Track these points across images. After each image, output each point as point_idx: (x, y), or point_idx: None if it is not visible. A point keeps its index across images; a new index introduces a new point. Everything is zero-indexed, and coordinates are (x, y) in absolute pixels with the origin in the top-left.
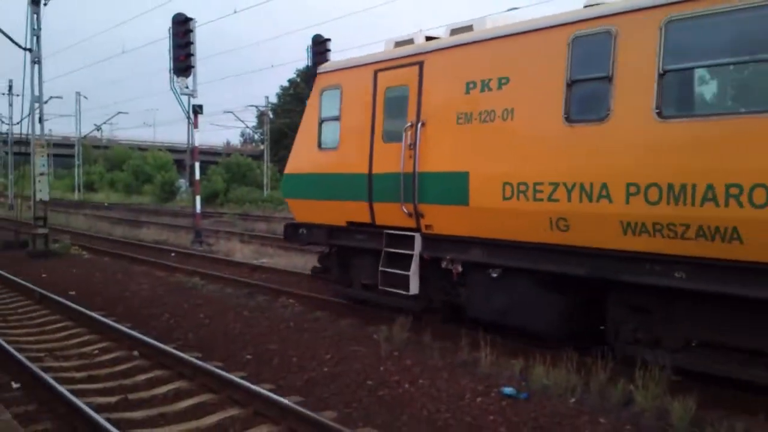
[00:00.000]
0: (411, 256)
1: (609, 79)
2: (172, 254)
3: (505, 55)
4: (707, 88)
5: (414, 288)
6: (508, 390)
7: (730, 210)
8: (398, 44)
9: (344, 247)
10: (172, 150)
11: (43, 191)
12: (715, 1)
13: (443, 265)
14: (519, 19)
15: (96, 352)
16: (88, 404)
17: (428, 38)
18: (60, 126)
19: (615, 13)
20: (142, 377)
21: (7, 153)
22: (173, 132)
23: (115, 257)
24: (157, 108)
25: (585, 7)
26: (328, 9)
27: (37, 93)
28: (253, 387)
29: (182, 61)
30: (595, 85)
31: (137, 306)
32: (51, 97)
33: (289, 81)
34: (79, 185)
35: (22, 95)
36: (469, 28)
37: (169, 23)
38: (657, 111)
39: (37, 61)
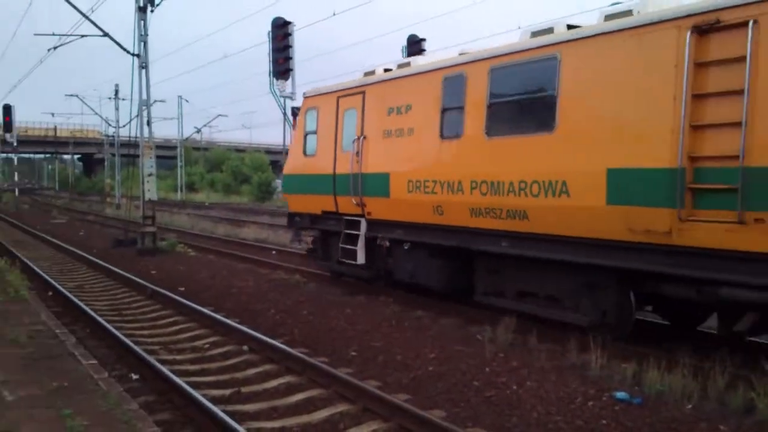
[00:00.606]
0: (358, 235)
1: (462, 108)
2: (273, 252)
3: (410, 89)
4: (506, 118)
5: (361, 259)
6: (620, 394)
7: (521, 198)
8: (367, 74)
9: (323, 231)
10: (269, 151)
11: (151, 191)
12: (512, 57)
13: (378, 241)
14: (429, 60)
15: (207, 346)
16: (204, 396)
17: (385, 69)
18: (161, 129)
19: (466, 62)
20: (252, 371)
21: (114, 155)
22: (269, 134)
23: (219, 255)
24: (254, 110)
25: (460, 54)
26: (422, 11)
27: (144, 97)
28: (362, 384)
29: (281, 65)
30: (456, 112)
31: (244, 302)
32: (155, 101)
33: None
34: (181, 185)
35: (131, 99)
36: (406, 65)
37: (268, 27)
38: (486, 132)
39: (144, 66)
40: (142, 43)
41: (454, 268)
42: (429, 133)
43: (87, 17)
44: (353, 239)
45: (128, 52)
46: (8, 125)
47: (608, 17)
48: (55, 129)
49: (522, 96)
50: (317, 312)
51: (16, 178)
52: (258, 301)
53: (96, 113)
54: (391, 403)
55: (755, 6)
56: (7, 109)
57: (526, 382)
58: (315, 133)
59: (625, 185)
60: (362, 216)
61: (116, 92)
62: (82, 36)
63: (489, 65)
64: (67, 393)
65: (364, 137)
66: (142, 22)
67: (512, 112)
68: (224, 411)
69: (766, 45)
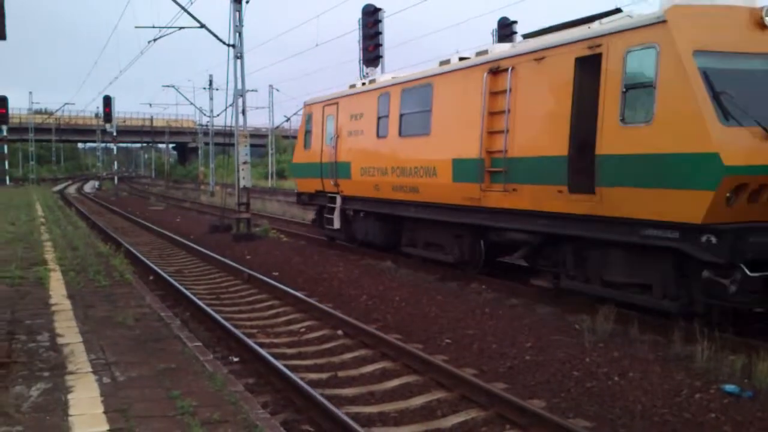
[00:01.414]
0: (335, 207)
1: (387, 117)
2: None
3: (362, 102)
4: (410, 124)
5: (337, 225)
6: (729, 387)
7: (416, 178)
8: (351, 86)
9: (318, 206)
10: None
11: (246, 178)
12: (413, 83)
13: (346, 212)
14: (383, 79)
15: (303, 330)
16: (302, 380)
17: (351, 86)
18: (251, 118)
19: (390, 85)
20: (348, 356)
21: (207, 144)
22: None
23: (310, 240)
24: None
25: (392, 78)
26: None
27: (239, 86)
28: (459, 371)
29: (371, 52)
30: (385, 119)
31: (336, 287)
32: (248, 90)
33: None
34: (272, 173)
35: (226, 88)
36: (373, 81)
37: (359, 14)
38: (398, 133)
39: (239, 56)
40: (237, 34)
41: (389, 229)
42: (371, 134)
43: (185, 10)
44: (332, 211)
45: (224, 42)
46: (108, 116)
47: (461, 59)
48: (151, 119)
49: (417, 110)
50: (409, 298)
51: (115, 166)
52: (350, 286)
53: (191, 103)
54: (489, 392)
55: (513, 59)
56: (108, 100)
57: (628, 373)
58: (310, 132)
59: (460, 170)
60: (337, 193)
61: (210, 82)
62: (181, 28)
63: (401, 88)
64: (174, 374)
65: (338, 135)
66: (237, 13)
67: (413, 120)
68: (322, 395)
69: (518, 83)
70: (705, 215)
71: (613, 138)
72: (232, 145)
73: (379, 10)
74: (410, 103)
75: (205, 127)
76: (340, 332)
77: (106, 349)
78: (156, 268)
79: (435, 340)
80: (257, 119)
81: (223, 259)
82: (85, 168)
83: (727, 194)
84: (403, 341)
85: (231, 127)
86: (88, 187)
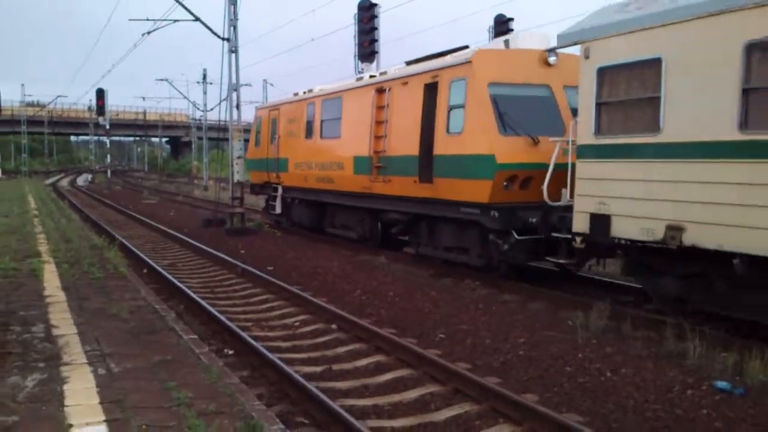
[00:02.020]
0: (277, 196)
1: (313, 122)
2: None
3: (296, 109)
4: (328, 128)
5: (278, 210)
6: (721, 384)
7: (331, 172)
8: (295, 94)
9: (267, 195)
10: None
11: (240, 173)
12: (329, 95)
13: (286, 200)
14: (314, 91)
15: (297, 323)
16: (297, 373)
17: (295, 93)
18: (244, 113)
19: (315, 96)
20: (342, 349)
21: (200, 138)
22: None
23: (304, 236)
24: None
25: (319, 89)
26: None
27: (233, 81)
28: (452, 366)
29: (366, 47)
30: (311, 123)
31: (330, 282)
32: (242, 85)
33: None
34: None
35: (221, 82)
36: (310, 91)
37: (355, 10)
38: (320, 135)
39: (233, 50)
40: (232, 28)
41: (316, 213)
42: (302, 135)
43: (180, 2)
44: (275, 198)
45: (218, 36)
46: (101, 109)
47: (358, 78)
48: (144, 113)
49: (332, 117)
50: (403, 294)
51: (108, 160)
52: (344, 281)
53: (184, 97)
54: (482, 386)
55: (389, 82)
56: (101, 93)
57: (621, 369)
58: (260, 132)
59: (358, 165)
60: (279, 184)
61: (204, 76)
62: (175, 21)
63: (322, 99)
64: (170, 366)
65: (279, 136)
66: (233, 6)
67: (329, 125)
68: (317, 388)
69: (393, 100)
70: (489, 197)
71: (442, 143)
72: (226, 139)
73: (375, 5)
74: (328, 112)
75: (198, 122)
76: (334, 326)
77: (101, 341)
78: (150, 261)
79: (429, 334)
80: (251, 114)
81: (216, 252)
82: (77, 161)
83: (504, 182)
84: (397, 335)
85: (225, 121)
86: (81, 180)
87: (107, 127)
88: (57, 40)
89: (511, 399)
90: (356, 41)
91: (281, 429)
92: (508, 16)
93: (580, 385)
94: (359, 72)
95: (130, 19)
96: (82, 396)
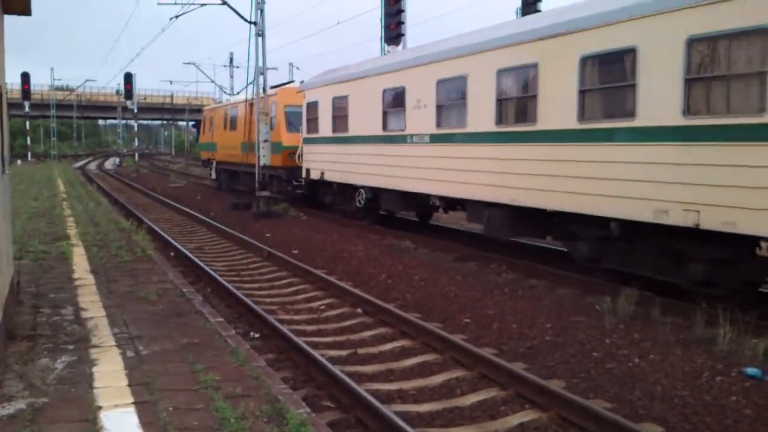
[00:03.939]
0: (213, 168)
1: (225, 119)
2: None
3: (221, 111)
4: (231, 124)
5: (214, 176)
6: (751, 370)
7: (232, 151)
8: (227, 100)
9: (210, 168)
10: None
11: (266, 156)
12: (234, 105)
13: (219, 170)
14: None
15: (323, 307)
16: (322, 356)
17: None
18: None
19: (228, 104)
20: (367, 334)
21: None
22: None
23: (329, 220)
24: None
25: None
26: None
27: (260, 64)
28: (478, 350)
29: (393, 30)
30: (225, 120)
31: (356, 266)
32: (268, 68)
33: None
34: None
35: (247, 66)
36: (236, 97)
37: None
38: (230, 129)
39: (260, 33)
40: (259, 11)
41: (230, 177)
42: (222, 127)
43: None
44: (212, 169)
45: (245, 19)
46: (129, 93)
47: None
48: (171, 97)
49: (232, 117)
50: (428, 278)
51: (136, 143)
52: (369, 265)
53: (211, 80)
54: (508, 371)
55: (239, 104)
56: (129, 77)
57: (649, 355)
58: (205, 125)
59: (243, 147)
60: (214, 159)
61: (231, 60)
62: (203, 5)
63: (230, 106)
64: (197, 349)
65: (214, 127)
66: None
67: (231, 122)
68: (342, 372)
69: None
70: (281, 163)
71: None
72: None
73: None
74: (230, 116)
75: None
76: (359, 310)
77: (129, 324)
78: (177, 244)
79: (454, 319)
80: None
81: (243, 236)
82: (105, 145)
83: (289, 155)
84: (422, 320)
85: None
86: (109, 163)
87: (135, 110)
88: (86, 24)
89: (538, 384)
90: (382, 23)
91: (307, 412)
92: None
93: (607, 371)
94: (386, 53)
95: (158, 3)
96: (110, 378)
